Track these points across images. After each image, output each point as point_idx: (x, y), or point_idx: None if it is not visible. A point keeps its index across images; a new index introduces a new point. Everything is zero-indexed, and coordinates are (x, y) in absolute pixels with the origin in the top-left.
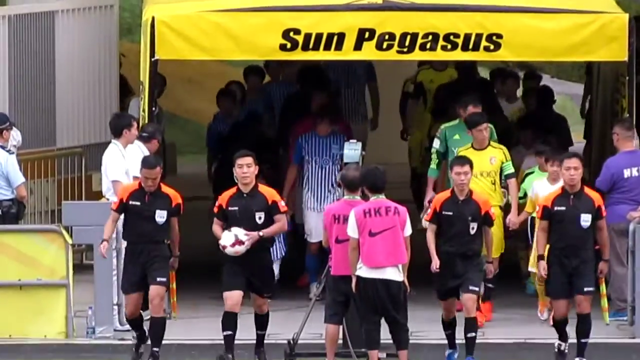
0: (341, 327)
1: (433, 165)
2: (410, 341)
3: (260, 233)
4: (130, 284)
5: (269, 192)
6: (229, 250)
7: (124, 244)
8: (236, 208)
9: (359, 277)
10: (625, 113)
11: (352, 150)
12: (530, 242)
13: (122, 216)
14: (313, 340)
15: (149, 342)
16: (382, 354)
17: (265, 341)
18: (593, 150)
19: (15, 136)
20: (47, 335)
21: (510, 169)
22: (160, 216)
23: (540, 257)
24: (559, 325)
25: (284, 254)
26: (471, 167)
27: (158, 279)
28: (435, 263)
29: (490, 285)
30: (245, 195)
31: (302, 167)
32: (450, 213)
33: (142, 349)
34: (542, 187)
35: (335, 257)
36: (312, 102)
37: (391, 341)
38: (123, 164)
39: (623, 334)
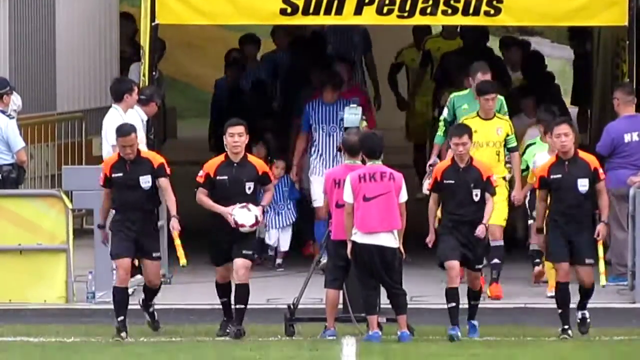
0: (341, 292)
1: (440, 133)
2: (410, 306)
3: (265, 205)
4: (121, 248)
5: (258, 163)
6: (246, 229)
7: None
8: (225, 177)
9: (354, 243)
10: (625, 78)
11: (352, 115)
12: (529, 213)
13: None
14: (313, 305)
15: (121, 318)
16: (382, 318)
17: (265, 306)
18: (593, 115)
19: (15, 101)
20: (47, 300)
21: (513, 142)
22: (145, 182)
23: (539, 230)
24: (561, 294)
25: (294, 220)
26: (470, 136)
27: (154, 254)
28: (431, 238)
29: (497, 261)
30: (235, 164)
31: (311, 135)
32: (452, 181)
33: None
34: (543, 159)
35: (336, 222)
36: (311, 77)
37: (390, 306)
38: None
39: (623, 299)
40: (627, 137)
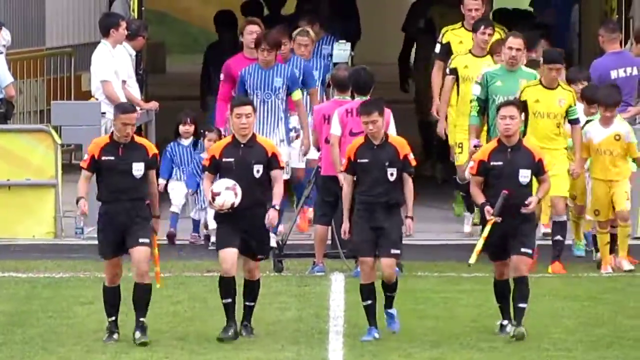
0: (330, 227)
1: (474, 113)
2: None
3: (277, 207)
4: (108, 247)
5: (268, 144)
6: (218, 201)
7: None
8: (232, 159)
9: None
10: (614, 14)
11: (341, 51)
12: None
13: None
14: (302, 241)
15: (113, 318)
16: None
17: None
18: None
19: (4, 36)
20: (36, 235)
21: (575, 114)
22: (138, 169)
23: (483, 205)
24: (499, 287)
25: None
26: (380, 112)
27: (141, 240)
28: (346, 227)
29: (560, 238)
30: (242, 145)
31: None
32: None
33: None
34: (595, 130)
35: (325, 158)
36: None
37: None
38: (112, 63)
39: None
40: (613, 74)
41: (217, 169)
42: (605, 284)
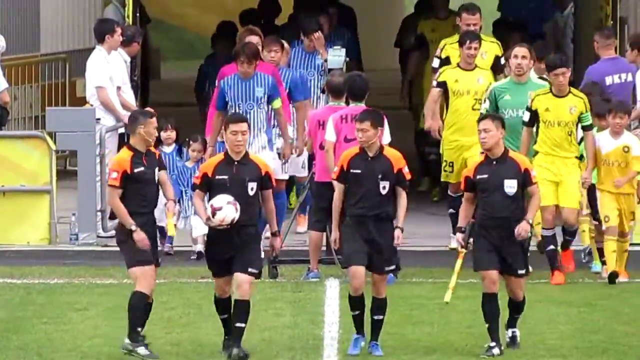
0: (325, 233)
1: None
2: None
3: (277, 233)
4: (145, 256)
5: (261, 162)
6: (219, 216)
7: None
8: (225, 177)
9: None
10: (609, 20)
11: (336, 57)
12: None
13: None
14: (297, 247)
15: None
16: None
17: None
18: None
19: None
20: (30, 241)
21: (588, 120)
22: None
23: (459, 230)
24: (488, 306)
25: None
26: (372, 124)
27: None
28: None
29: (569, 237)
30: (236, 162)
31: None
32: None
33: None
34: (604, 140)
35: (320, 164)
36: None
37: None
38: (107, 69)
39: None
40: (608, 80)
41: (208, 186)
42: (600, 291)
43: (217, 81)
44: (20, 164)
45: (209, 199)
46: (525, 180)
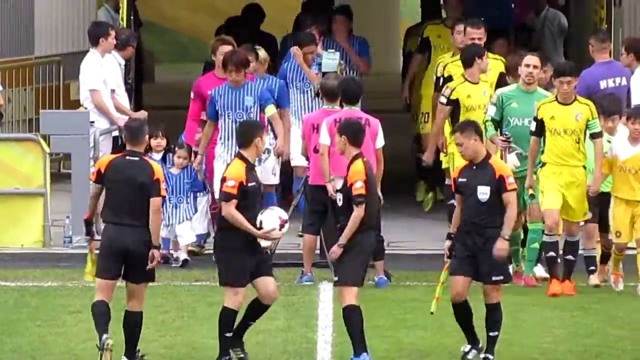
0: (318, 237)
1: (491, 130)
2: (387, 252)
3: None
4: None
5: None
6: (277, 234)
7: (104, 155)
8: (255, 183)
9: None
10: (604, 24)
11: (330, 60)
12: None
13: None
14: (291, 250)
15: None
16: None
17: None
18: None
19: None
20: (24, 244)
21: (596, 127)
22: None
23: (447, 236)
24: (459, 315)
25: (192, 215)
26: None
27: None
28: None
29: (571, 257)
30: (254, 168)
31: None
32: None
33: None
34: (622, 146)
35: (314, 167)
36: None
37: None
38: (101, 72)
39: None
40: (602, 84)
41: (244, 195)
42: (594, 295)
43: (191, 92)
44: (14, 167)
45: (244, 207)
46: (499, 186)
